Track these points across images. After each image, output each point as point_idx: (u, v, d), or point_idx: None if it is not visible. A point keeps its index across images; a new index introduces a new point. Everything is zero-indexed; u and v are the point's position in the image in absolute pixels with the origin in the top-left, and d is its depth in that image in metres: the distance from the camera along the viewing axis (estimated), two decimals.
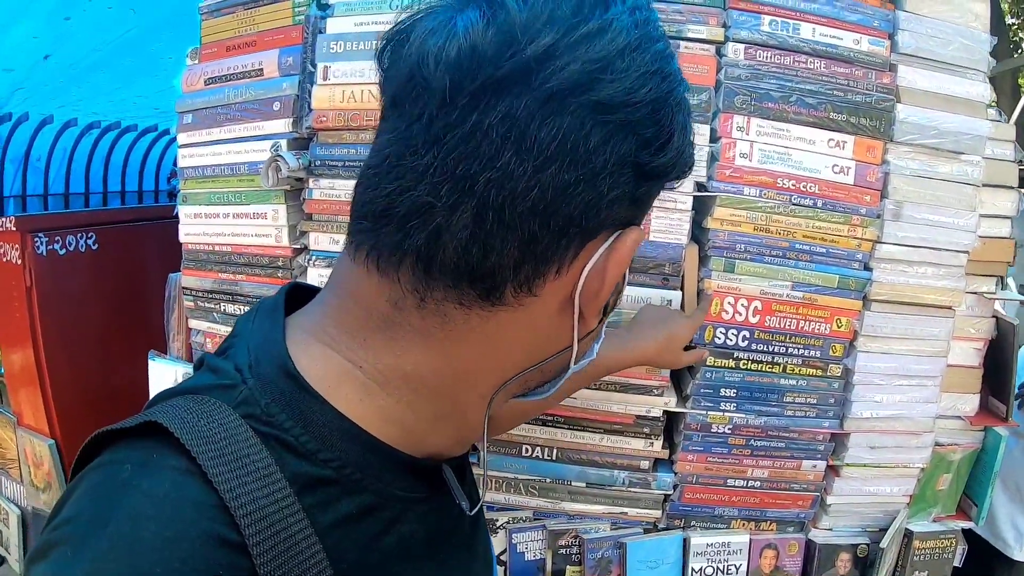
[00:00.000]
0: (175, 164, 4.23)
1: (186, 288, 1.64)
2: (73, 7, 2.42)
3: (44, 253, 2.74)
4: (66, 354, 2.88)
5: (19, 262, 2.72)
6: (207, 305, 1.60)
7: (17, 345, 2.93)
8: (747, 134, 1.32)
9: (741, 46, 1.31)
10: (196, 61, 1.58)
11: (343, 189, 1.37)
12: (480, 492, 0.79)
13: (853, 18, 1.33)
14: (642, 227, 0.54)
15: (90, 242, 2.90)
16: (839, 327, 1.38)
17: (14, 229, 2.71)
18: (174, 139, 4.46)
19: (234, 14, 1.53)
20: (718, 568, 1.49)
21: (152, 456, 0.47)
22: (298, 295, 0.62)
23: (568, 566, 1.50)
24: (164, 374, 1.71)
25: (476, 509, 0.66)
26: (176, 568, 0.41)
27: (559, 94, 0.45)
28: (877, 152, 1.34)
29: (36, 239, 2.71)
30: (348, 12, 1.37)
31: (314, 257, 1.43)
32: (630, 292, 1.34)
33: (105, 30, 2.66)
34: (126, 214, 3.30)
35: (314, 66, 1.39)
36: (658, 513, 1.49)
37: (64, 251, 2.80)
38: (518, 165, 0.45)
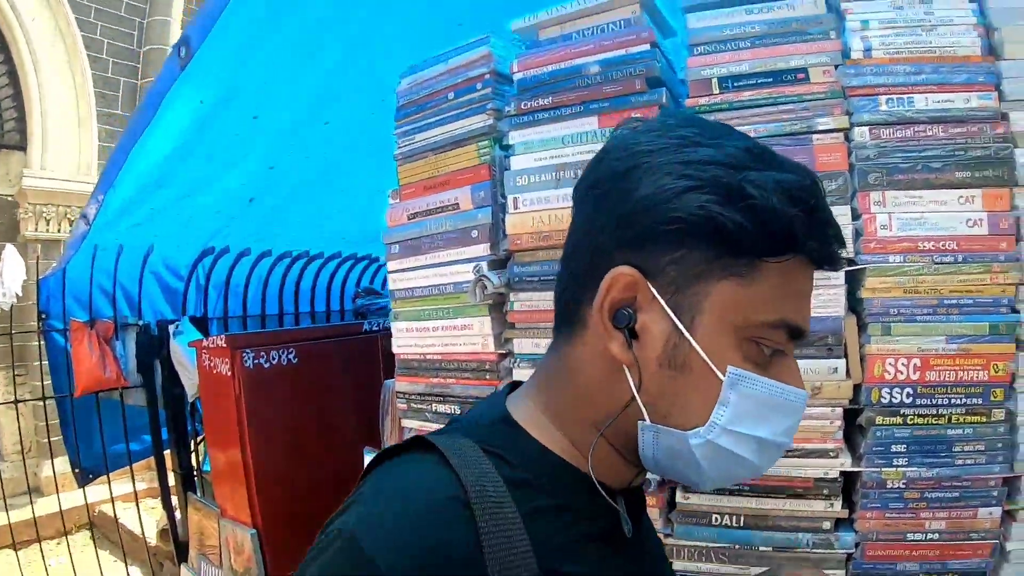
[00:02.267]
0: (357, 286, 4.66)
1: (400, 392, 1.87)
2: (278, 158, 2.83)
3: (251, 366, 3.07)
4: (268, 453, 3.17)
5: (229, 373, 3.06)
6: (419, 406, 1.83)
7: (226, 445, 3.25)
8: (884, 207, 1.40)
9: (866, 128, 1.40)
10: (398, 200, 1.86)
11: (540, 300, 1.58)
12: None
13: (959, 79, 1.39)
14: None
15: (290, 356, 3.22)
16: (996, 372, 1.41)
17: (225, 346, 3.07)
18: (356, 263, 4.88)
19: (425, 158, 1.81)
20: None
21: (416, 456, 0.68)
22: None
23: None
24: None
25: (630, 534, 0.74)
26: (429, 509, 0.60)
27: (582, 198, 0.74)
28: (1005, 199, 1.38)
29: (244, 354, 3.04)
30: (527, 150, 1.61)
31: (518, 360, 1.63)
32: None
33: (300, 174, 3.08)
34: (320, 332, 3.68)
35: (504, 197, 1.63)
36: (842, 572, 1.52)
37: (268, 364, 3.13)
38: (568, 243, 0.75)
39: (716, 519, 1.55)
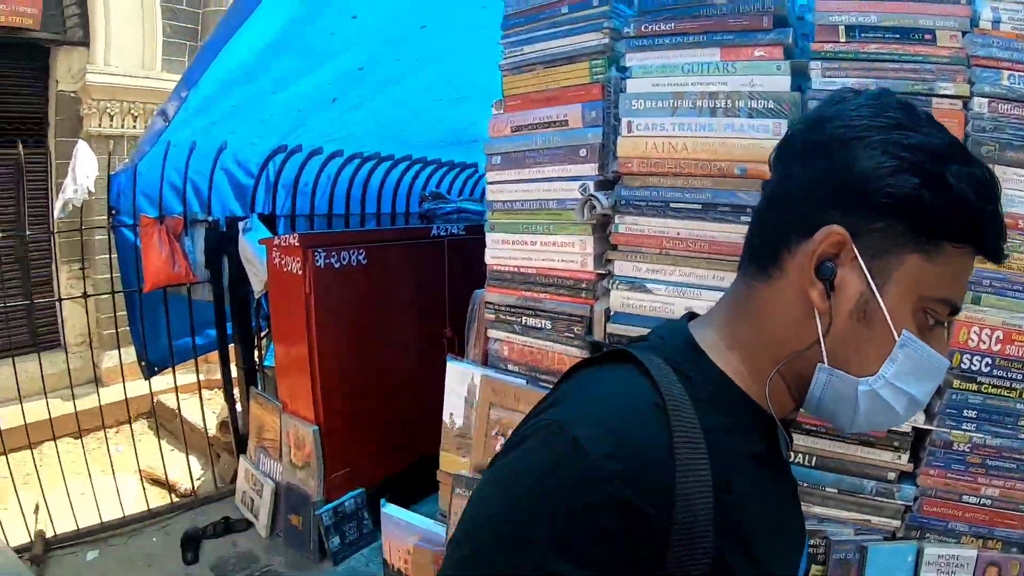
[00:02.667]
0: (424, 189, 4.66)
1: (489, 303, 1.92)
2: (369, 59, 2.84)
3: (322, 265, 3.14)
4: (334, 352, 3.27)
5: (300, 272, 3.13)
6: (508, 318, 1.90)
7: (293, 343, 3.35)
8: None
9: (985, 100, 1.41)
10: (501, 111, 1.87)
11: (646, 225, 1.62)
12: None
13: None
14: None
15: (360, 257, 3.29)
16: None
17: (297, 244, 3.13)
18: (424, 167, 4.93)
19: (534, 71, 1.81)
20: None
21: (619, 366, 0.76)
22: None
23: (813, 565, 1.62)
24: (461, 376, 2.00)
25: (789, 457, 0.88)
26: (636, 410, 0.67)
27: (793, 153, 0.78)
28: None
29: (316, 253, 3.11)
30: (645, 74, 1.61)
31: (618, 281, 1.67)
32: None
33: (386, 77, 3.09)
34: (389, 234, 3.75)
35: (618, 120, 1.63)
36: (897, 523, 1.60)
37: (338, 264, 3.21)
38: (774, 188, 0.81)
39: (790, 456, 1.58)
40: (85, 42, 6.10)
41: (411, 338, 3.62)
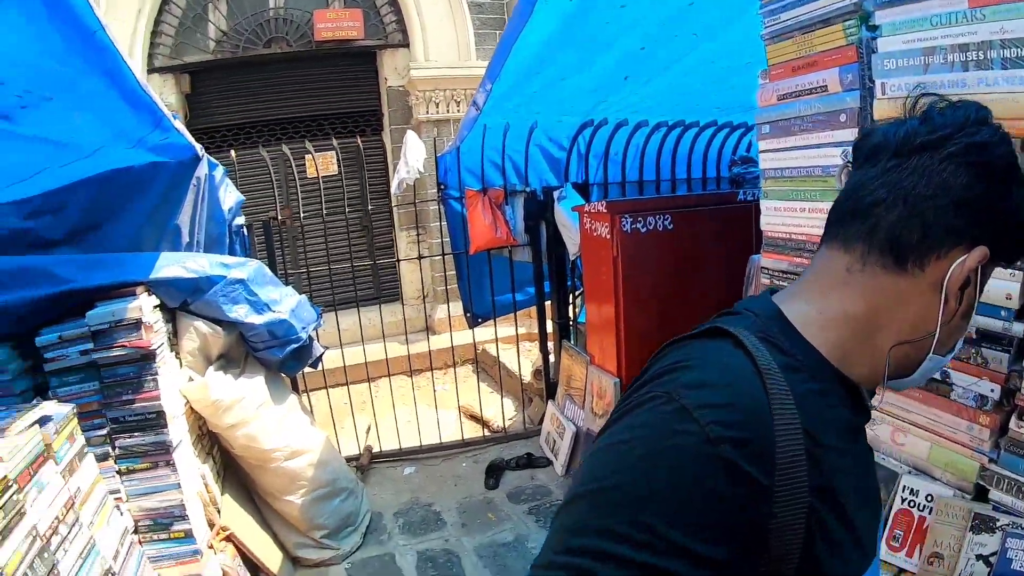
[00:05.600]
0: (734, 153, 4.68)
1: (764, 268, 2.04)
2: (647, 39, 3.05)
3: (628, 230, 3.38)
4: (638, 311, 3.53)
5: (608, 236, 3.42)
6: (782, 284, 1.97)
7: (601, 301, 3.68)
8: None
9: None
10: (767, 80, 1.96)
11: None
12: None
13: None
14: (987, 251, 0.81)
15: (666, 222, 3.48)
16: None
17: (605, 211, 3.42)
18: (731, 131, 5.05)
19: (792, 39, 1.87)
20: None
21: (714, 340, 0.83)
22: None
23: None
24: None
25: (867, 421, 0.94)
26: (738, 378, 0.74)
27: (950, 156, 0.79)
28: None
29: (623, 219, 3.36)
30: (894, 32, 1.60)
31: None
32: None
33: (670, 52, 3.28)
34: (695, 200, 3.84)
35: (872, 81, 1.65)
36: None
37: (645, 229, 3.43)
38: (925, 188, 0.80)
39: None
40: (405, 43, 7.33)
41: (715, 301, 3.57)
